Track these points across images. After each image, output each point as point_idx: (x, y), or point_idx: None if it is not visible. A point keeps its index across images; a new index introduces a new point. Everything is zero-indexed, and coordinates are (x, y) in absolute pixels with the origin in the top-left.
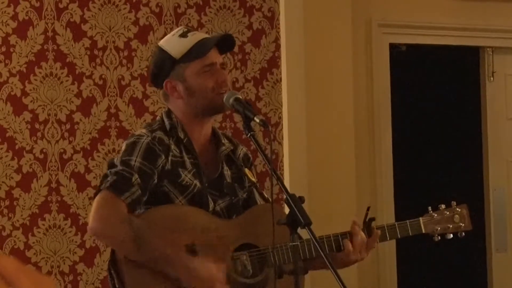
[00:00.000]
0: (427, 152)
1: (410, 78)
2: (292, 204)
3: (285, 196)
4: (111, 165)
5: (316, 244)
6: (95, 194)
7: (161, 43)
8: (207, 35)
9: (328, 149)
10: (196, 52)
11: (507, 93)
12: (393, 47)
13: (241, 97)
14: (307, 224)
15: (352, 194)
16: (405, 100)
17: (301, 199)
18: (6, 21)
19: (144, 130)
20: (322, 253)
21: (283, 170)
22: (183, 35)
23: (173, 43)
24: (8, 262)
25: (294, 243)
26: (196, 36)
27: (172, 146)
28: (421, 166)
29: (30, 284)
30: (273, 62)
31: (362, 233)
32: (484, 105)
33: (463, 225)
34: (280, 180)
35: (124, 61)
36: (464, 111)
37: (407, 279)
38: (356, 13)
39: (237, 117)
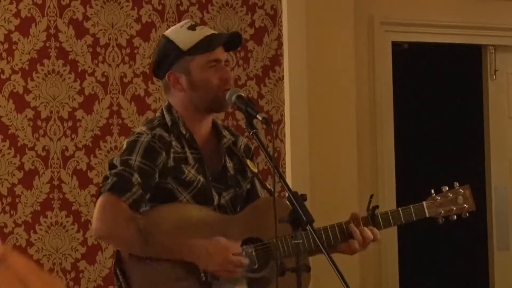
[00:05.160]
0: (429, 150)
1: (412, 76)
2: (294, 202)
3: (287, 194)
4: (111, 166)
5: (319, 243)
6: (97, 197)
7: (168, 33)
8: (214, 31)
9: (330, 147)
10: (204, 46)
11: (509, 91)
12: (395, 45)
13: (243, 95)
14: (309, 222)
15: (354, 192)
16: (407, 98)
17: (303, 197)
18: (9, 18)
19: (144, 128)
20: (324, 252)
21: (285, 167)
22: (192, 28)
23: (181, 34)
24: (20, 262)
25: (296, 241)
26: (204, 30)
27: (173, 143)
28: (423, 164)
29: (41, 284)
30: (276, 60)
31: (369, 232)
32: (486, 103)
33: (466, 206)
34: (282, 177)
35: (127, 59)
36: (466, 109)
37: (409, 277)
38: (359, 11)
39: (239, 115)
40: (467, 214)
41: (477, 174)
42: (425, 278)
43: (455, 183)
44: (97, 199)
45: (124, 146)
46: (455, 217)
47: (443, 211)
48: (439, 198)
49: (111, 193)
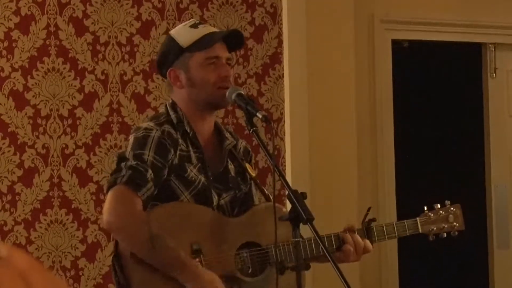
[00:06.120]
0: (429, 148)
1: (412, 74)
2: (294, 200)
3: (287, 192)
4: (123, 158)
5: (319, 240)
6: (109, 187)
7: (172, 31)
8: (217, 30)
9: (330, 145)
10: (203, 43)
11: (509, 89)
12: (395, 43)
13: (243, 93)
14: (310, 219)
15: (354, 190)
16: (407, 96)
17: (303, 195)
18: (9, 16)
19: (151, 123)
20: (325, 251)
21: (285, 166)
22: (194, 26)
23: (182, 32)
24: (23, 259)
25: (296, 239)
26: (206, 28)
27: (180, 140)
28: (423, 162)
29: (43, 283)
30: (275, 58)
31: (360, 239)
32: (486, 102)
33: (457, 225)
34: (282, 176)
35: (126, 57)
36: (466, 108)
37: (409, 275)
38: (359, 9)
39: (239, 113)
40: (456, 233)
41: (477, 172)
42: (425, 277)
43: (446, 201)
44: (107, 189)
45: (133, 140)
46: (445, 234)
47: (434, 228)
48: (432, 215)
49: (127, 186)
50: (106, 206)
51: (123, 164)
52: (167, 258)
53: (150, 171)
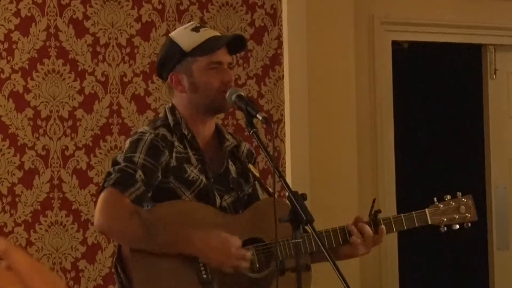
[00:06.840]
0: (429, 149)
1: (412, 75)
2: (294, 201)
3: (287, 193)
4: (115, 163)
5: (318, 241)
6: (99, 192)
7: (172, 34)
8: (219, 33)
9: (330, 146)
10: (206, 47)
11: (509, 91)
12: (395, 44)
13: (243, 94)
14: (310, 221)
15: (354, 191)
16: (407, 98)
17: (303, 196)
18: (9, 18)
19: (147, 127)
20: (324, 251)
21: (285, 167)
22: (196, 29)
23: (184, 36)
24: (22, 258)
25: (296, 240)
26: (208, 32)
27: (176, 143)
28: (423, 164)
29: (42, 284)
30: (276, 59)
31: (368, 228)
32: (487, 103)
33: (469, 215)
34: (282, 177)
35: (127, 58)
36: (466, 109)
37: (409, 276)
38: (359, 10)
39: (239, 114)
40: (469, 224)
41: (477, 173)
42: (425, 278)
43: (458, 192)
44: (99, 194)
45: (127, 145)
46: (457, 226)
47: (445, 219)
48: (441, 206)
49: (114, 188)
50: (96, 210)
51: (112, 168)
52: (168, 237)
53: (139, 172)
